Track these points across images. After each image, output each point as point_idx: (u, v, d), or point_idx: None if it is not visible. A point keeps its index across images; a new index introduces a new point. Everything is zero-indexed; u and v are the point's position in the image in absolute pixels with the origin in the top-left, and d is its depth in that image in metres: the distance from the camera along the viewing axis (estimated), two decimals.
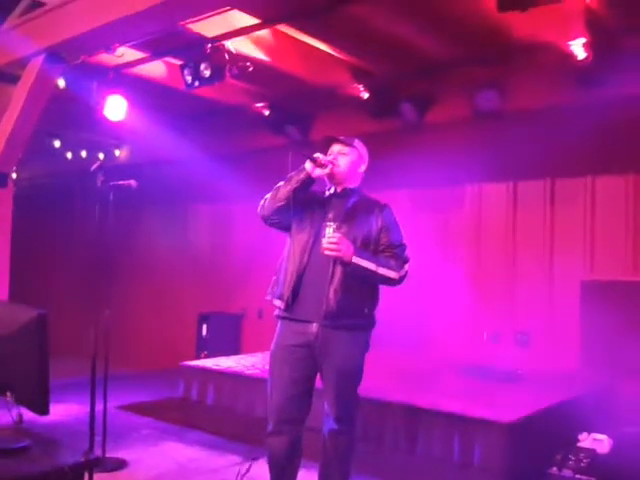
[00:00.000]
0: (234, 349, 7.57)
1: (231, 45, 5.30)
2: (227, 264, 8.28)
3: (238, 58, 5.38)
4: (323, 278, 3.24)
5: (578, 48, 4.91)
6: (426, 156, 5.96)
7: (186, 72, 5.60)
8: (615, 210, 5.70)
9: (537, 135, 5.74)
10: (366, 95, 6.12)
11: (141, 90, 6.41)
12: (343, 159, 3.42)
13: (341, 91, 6.28)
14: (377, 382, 5.14)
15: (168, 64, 6.07)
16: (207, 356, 6.78)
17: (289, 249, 3.42)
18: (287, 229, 3.46)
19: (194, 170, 7.64)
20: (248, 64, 5.40)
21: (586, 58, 4.92)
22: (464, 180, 6.43)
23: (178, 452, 4.78)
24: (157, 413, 5.84)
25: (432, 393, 4.82)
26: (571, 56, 4.96)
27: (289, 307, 3.31)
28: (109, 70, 5.99)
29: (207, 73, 5.42)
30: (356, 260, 3.19)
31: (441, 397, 4.66)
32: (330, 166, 3.35)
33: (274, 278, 3.46)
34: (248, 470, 3.34)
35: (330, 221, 3.28)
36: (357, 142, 3.54)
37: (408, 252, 3.40)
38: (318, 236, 3.27)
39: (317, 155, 3.34)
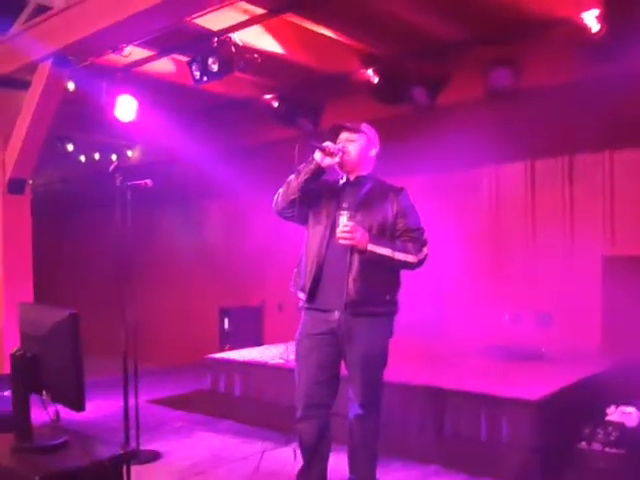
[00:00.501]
0: (256, 341, 7.62)
1: (237, 37, 5.31)
2: (244, 258, 8.31)
3: (245, 50, 5.39)
4: (342, 268, 3.25)
5: (592, 20, 4.81)
6: (440, 139, 5.92)
7: (194, 67, 5.60)
8: (634, 184, 5.64)
9: (553, 112, 5.67)
10: (376, 80, 6.07)
11: (150, 89, 6.44)
12: (352, 146, 3.40)
13: (351, 78, 6.23)
14: (401, 365, 5.16)
15: (176, 61, 6.08)
16: (231, 349, 6.83)
17: (307, 241, 3.43)
18: (303, 222, 3.46)
19: (206, 165, 7.66)
20: (256, 56, 5.40)
21: (600, 30, 4.82)
22: (480, 162, 6.38)
23: (210, 442, 4.85)
24: (187, 406, 5.92)
25: (457, 374, 4.84)
26: (585, 29, 4.87)
27: (311, 298, 3.33)
28: (117, 70, 6.01)
29: (215, 67, 5.42)
30: (372, 248, 3.20)
31: (466, 378, 4.69)
32: (340, 154, 3.33)
33: (295, 270, 3.47)
34: (260, 461, 3.37)
35: (344, 210, 3.29)
36: (365, 126, 3.50)
37: (427, 235, 3.39)
38: (334, 226, 3.27)
39: (326, 144, 3.33)
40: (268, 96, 6.91)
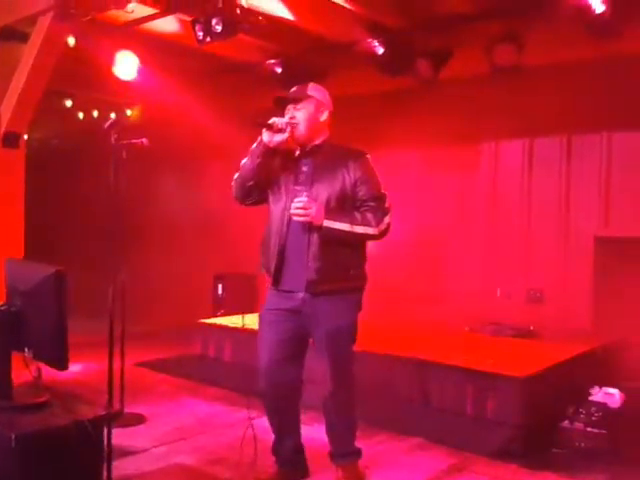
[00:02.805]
0: (250, 308, 7.63)
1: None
2: (241, 223, 8.27)
3: (250, 13, 5.29)
4: (302, 246, 3.10)
5: (595, 1, 4.76)
6: (441, 114, 5.88)
7: (197, 27, 5.52)
8: (631, 166, 5.64)
9: (554, 90, 5.63)
10: (381, 50, 5.98)
11: (152, 48, 6.34)
12: (300, 114, 3.16)
13: (356, 48, 6.13)
14: (391, 338, 5.20)
15: (180, 20, 5.98)
16: (223, 315, 6.84)
17: (269, 220, 3.26)
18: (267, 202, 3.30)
19: (206, 128, 7.59)
20: (260, 18, 5.31)
21: (604, 12, 4.78)
22: (480, 138, 6.37)
23: (196, 407, 4.84)
24: (174, 370, 5.89)
25: (445, 348, 4.87)
26: (589, 9, 4.82)
27: (276, 281, 3.21)
28: (120, 27, 5.91)
29: (219, 28, 5.33)
30: (328, 223, 3.03)
31: (454, 352, 4.71)
32: (289, 128, 3.11)
33: (260, 250, 3.32)
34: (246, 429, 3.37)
35: (301, 184, 3.13)
36: (311, 87, 3.25)
37: (389, 202, 3.19)
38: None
39: (272, 121, 3.09)
40: (271, 61, 6.81)
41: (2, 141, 5.97)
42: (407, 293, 6.24)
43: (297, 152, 3.27)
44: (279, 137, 3.10)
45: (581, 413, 4.06)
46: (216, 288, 7.96)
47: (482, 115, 5.86)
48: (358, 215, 3.12)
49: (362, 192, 3.15)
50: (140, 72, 6.24)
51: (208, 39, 5.48)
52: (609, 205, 5.75)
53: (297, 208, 3.03)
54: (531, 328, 5.59)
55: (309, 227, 3.07)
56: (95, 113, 8.77)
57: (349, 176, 3.14)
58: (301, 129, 3.16)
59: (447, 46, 5.98)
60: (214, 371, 5.63)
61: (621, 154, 5.69)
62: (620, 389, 4.28)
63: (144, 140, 4.27)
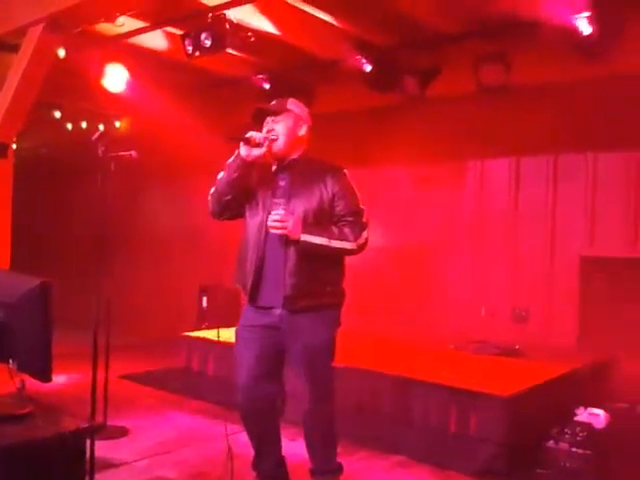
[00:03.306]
0: (234, 321, 7.58)
1: (232, 15, 5.25)
2: (228, 236, 8.26)
3: (239, 28, 5.33)
4: (279, 262, 3.07)
5: (583, 22, 4.85)
6: (428, 131, 5.94)
7: (187, 42, 5.57)
8: (616, 187, 5.71)
9: (541, 110, 5.70)
10: (369, 68, 6.04)
11: (142, 61, 6.36)
12: (279, 127, 3.13)
13: (344, 64, 6.19)
14: (375, 354, 5.20)
15: (169, 35, 6.01)
16: (208, 327, 6.80)
17: (245, 235, 3.23)
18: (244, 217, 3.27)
19: (195, 142, 7.61)
20: (249, 34, 5.36)
21: (591, 33, 4.86)
22: (466, 156, 6.42)
23: (179, 421, 4.81)
24: (158, 383, 5.85)
25: (430, 366, 4.87)
26: (576, 31, 4.90)
27: (253, 297, 3.17)
28: (109, 40, 5.93)
29: (208, 43, 5.38)
30: (305, 237, 3.00)
31: (439, 370, 4.71)
32: (267, 142, 3.08)
33: (236, 264, 3.27)
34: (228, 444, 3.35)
35: (278, 199, 3.10)
36: (291, 102, 3.23)
37: (367, 217, 3.17)
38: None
39: (250, 134, 3.06)
40: (260, 76, 6.85)
41: None
42: (392, 310, 6.26)
43: (274, 167, 3.25)
44: (257, 151, 3.07)
45: (566, 433, 4.06)
46: (201, 301, 7.92)
47: (469, 133, 5.92)
48: (336, 230, 3.09)
49: (340, 207, 3.13)
50: (129, 85, 6.27)
51: (197, 53, 5.53)
52: (594, 225, 5.81)
53: (274, 221, 3.00)
54: (516, 347, 5.61)
55: (286, 241, 3.04)
56: (84, 124, 8.75)
57: (327, 191, 3.12)
58: (279, 143, 3.14)
59: (435, 64, 6.05)
60: (198, 384, 5.60)
61: (607, 175, 5.76)
62: (605, 410, 4.30)
63: (132, 152, 4.27)
